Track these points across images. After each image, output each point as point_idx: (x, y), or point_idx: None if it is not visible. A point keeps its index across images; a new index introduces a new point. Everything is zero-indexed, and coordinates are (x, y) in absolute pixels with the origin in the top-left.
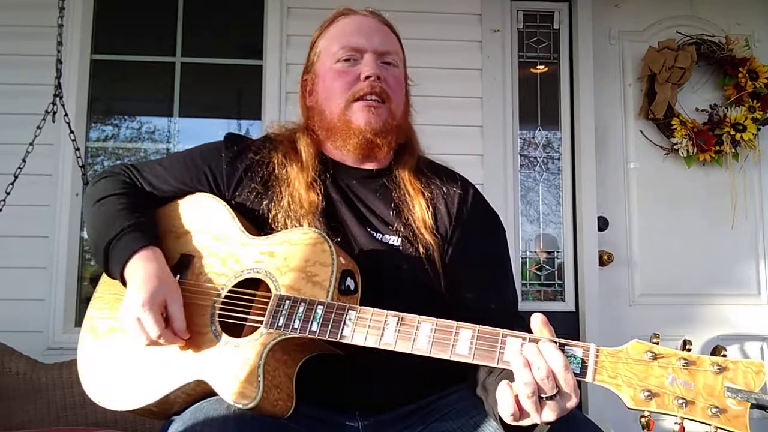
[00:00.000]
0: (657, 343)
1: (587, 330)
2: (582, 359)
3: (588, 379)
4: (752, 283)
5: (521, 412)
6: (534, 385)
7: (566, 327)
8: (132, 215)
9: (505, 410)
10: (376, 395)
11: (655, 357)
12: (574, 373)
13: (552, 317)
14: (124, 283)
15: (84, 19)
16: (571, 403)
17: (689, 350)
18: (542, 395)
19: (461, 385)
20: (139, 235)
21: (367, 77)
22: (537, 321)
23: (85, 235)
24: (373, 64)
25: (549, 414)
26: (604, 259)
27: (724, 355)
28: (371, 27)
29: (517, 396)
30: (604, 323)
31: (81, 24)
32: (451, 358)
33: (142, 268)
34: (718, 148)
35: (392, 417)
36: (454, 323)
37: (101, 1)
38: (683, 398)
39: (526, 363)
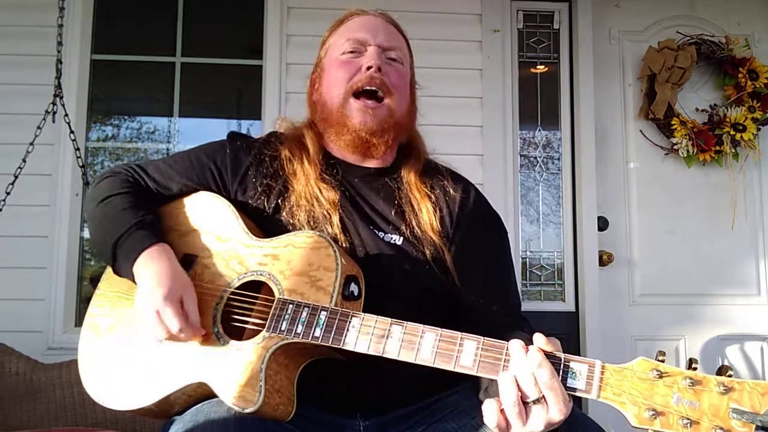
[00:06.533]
0: (663, 361)
1: (587, 330)
2: (587, 375)
3: (593, 396)
4: (752, 283)
5: (507, 423)
6: (516, 391)
7: (566, 327)
8: (138, 213)
9: (490, 421)
10: (377, 396)
11: (661, 375)
12: (578, 389)
13: (552, 317)
14: (134, 281)
15: (84, 19)
16: (559, 413)
17: (695, 369)
18: (526, 400)
19: (462, 386)
20: (147, 233)
21: (369, 68)
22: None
23: (86, 235)
24: (374, 56)
25: (536, 424)
26: (604, 259)
27: (730, 375)
28: (377, 24)
29: (503, 410)
30: (604, 323)
31: (81, 24)
32: (455, 370)
33: (157, 264)
34: (718, 148)
35: (394, 417)
36: (459, 334)
37: (101, 1)
38: (688, 418)
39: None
